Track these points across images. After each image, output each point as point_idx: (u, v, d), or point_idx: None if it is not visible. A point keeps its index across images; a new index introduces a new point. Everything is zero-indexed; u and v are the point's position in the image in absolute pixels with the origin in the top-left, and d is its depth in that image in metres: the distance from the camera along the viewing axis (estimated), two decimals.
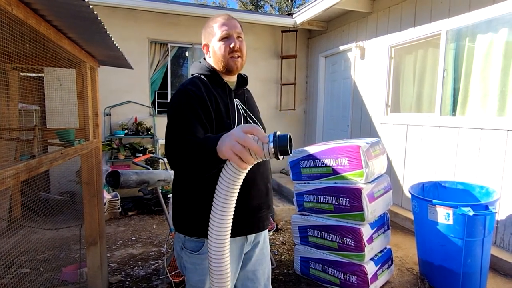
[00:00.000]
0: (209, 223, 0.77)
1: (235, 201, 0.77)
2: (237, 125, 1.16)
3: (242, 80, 1.30)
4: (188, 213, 1.14)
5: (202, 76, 1.19)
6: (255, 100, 1.41)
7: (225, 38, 1.17)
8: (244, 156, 0.71)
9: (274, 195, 4.82)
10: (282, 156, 0.70)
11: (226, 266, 0.79)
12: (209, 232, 0.77)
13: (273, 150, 0.69)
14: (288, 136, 0.70)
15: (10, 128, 2.27)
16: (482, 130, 2.96)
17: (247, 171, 0.75)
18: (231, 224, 0.78)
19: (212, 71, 1.20)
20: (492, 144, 2.87)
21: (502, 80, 2.89)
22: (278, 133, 0.71)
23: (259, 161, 0.74)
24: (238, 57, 1.18)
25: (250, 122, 1.22)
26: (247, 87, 1.35)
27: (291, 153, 0.71)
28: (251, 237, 1.23)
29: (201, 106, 1.07)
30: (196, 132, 1.00)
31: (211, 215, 0.77)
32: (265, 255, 1.32)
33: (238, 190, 0.77)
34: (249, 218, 1.18)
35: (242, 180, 0.76)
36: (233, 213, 0.78)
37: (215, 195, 0.76)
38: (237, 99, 1.23)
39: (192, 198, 1.12)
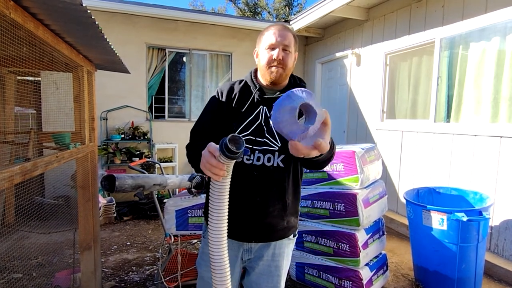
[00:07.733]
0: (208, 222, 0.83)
1: (226, 204, 0.82)
2: (242, 131, 1.17)
3: (288, 87, 1.24)
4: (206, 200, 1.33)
5: (238, 82, 1.27)
6: None
7: (270, 48, 1.16)
8: (213, 171, 0.78)
9: None
10: (234, 159, 0.73)
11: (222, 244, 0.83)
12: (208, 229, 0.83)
13: (221, 158, 0.74)
14: (227, 140, 0.71)
15: (5, 131, 2.27)
16: (475, 136, 3.00)
17: (227, 181, 0.80)
18: (226, 222, 0.82)
19: (246, 81, 1.25)
20: (486, 150, 2.90)
21: (495, 87, 2.93)
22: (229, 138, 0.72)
23: (230, 171, 0.79)
24: (276, 67, 1.15)
25: (264, 130, 1.18)
26: None
27: (240, 149, 0.71)
28: (248, 245, 1.22)
29: (217, 107, 1.22)
30: (205, 126, 1.21)
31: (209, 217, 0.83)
32: (273, 274, 1.26)
33: (227, 197, 0.81)
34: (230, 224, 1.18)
35: (227, 188, 0.81)
36: (227, 211, 0.82)
37: (209, 201, 0.82)
38: (266, 107, 1.19)
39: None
